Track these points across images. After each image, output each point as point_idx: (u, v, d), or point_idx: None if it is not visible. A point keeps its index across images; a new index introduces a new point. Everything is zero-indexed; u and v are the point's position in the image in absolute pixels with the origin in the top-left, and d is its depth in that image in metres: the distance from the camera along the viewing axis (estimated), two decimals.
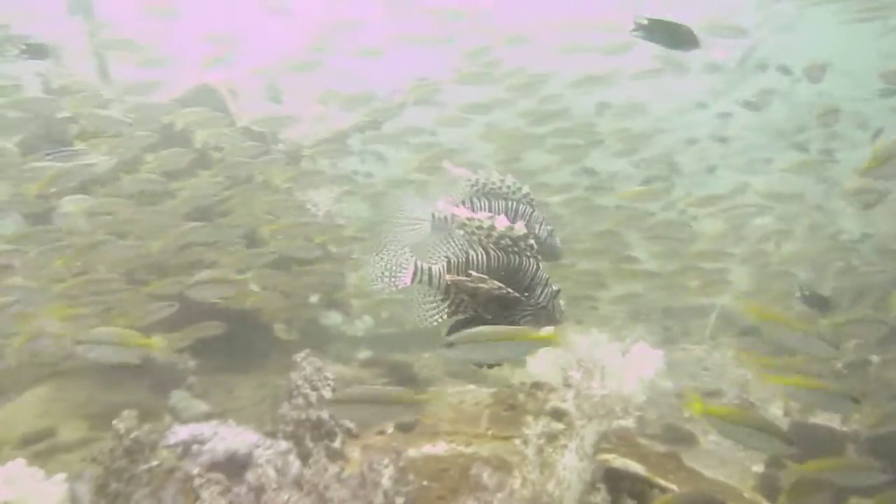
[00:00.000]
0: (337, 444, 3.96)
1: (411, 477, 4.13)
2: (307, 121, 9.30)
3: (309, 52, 10.55)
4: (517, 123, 9.34)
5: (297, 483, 3.17)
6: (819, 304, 6.27)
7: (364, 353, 9.11)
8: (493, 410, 5.78)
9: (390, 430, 5.79)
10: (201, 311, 7.18)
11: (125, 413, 3.95)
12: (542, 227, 3.98)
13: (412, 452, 5.27)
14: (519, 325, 3.19)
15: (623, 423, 4.36)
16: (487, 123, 9.62)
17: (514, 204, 3.92)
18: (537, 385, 5.81)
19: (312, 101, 9.16)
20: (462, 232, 3.14)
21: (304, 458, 3.96)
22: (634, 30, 4.76)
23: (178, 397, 6.14)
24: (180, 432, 4.14)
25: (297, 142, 8.70)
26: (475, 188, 3.91)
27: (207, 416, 6.19)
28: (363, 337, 10.16)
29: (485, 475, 3.35)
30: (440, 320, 3.17)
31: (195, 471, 3.09)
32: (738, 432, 4.02)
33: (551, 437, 4.33)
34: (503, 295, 3.01)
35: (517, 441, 4.37)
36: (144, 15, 10.09)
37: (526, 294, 3.09)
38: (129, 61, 8.39)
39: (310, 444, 3.87)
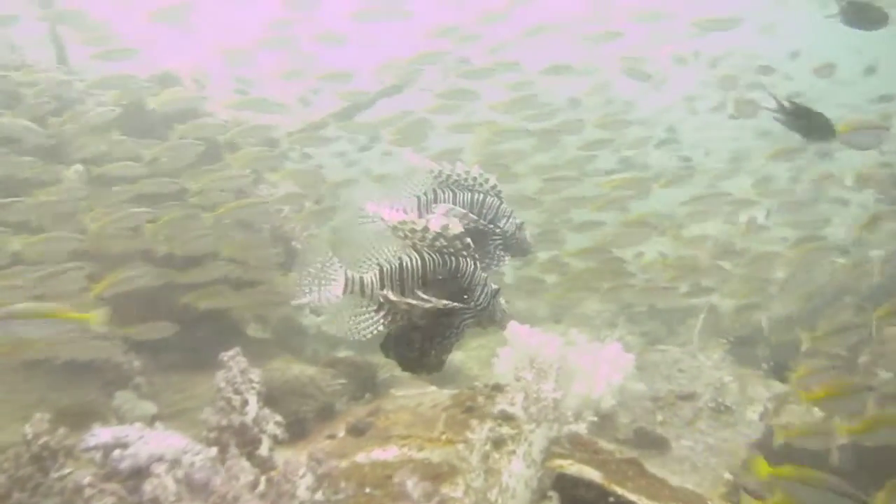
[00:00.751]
0: (263, 451, 3.68)
1: (343, 484, 3.88)
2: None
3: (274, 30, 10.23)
4: None
5: (204, 494, 2.91)
6: (781, 374, 6.41)
7: (345, 353, 8.85)
8: (451, 413, 5.50)
9: (341, 433, 5.54)
10: (163, 307, 6.96)
11: (37, 416, 3.69)
12: (511, 220, 3.76)
13: (360, 457, 5.01)
14: (459, 329, 3.01)
15: (574, 428, 4.10)
16: None
17: (481, 196, 3.71)
18: (498, 387, 5.57)
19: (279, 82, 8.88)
20: (394, 236, 2.94)
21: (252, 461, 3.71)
22: None
23: (123, 398, 5.89)
24: (101, 435, 3.86)
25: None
26: (438, 180, 3.69)
27: (154, 418, 5.94)
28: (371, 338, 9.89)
29: (409, 484, 3.10)
30: (375, 332, 2.97)
31: (86, 480, 2.82)
32: (811, 495, 3.85)
33: (498, 443, 4.07)
34: (438, 306, 2.83)
35: (460, 446, 4.11)
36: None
37: (465, 297, 2.97)
38: (89, 52, 8.16)
39: (234, 452, 3.61)
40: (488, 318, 3.08)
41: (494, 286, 3.09)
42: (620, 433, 6.48)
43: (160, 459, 3.82)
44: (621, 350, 6.48)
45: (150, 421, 5.89)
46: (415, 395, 6.08)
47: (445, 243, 2.91)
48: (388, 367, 6.73)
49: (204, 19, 9.99)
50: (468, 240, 2.97)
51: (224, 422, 3.59)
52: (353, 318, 2.95)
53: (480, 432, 4.00)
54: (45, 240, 6.12)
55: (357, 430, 5.37)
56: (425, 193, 3.73)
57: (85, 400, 6.35)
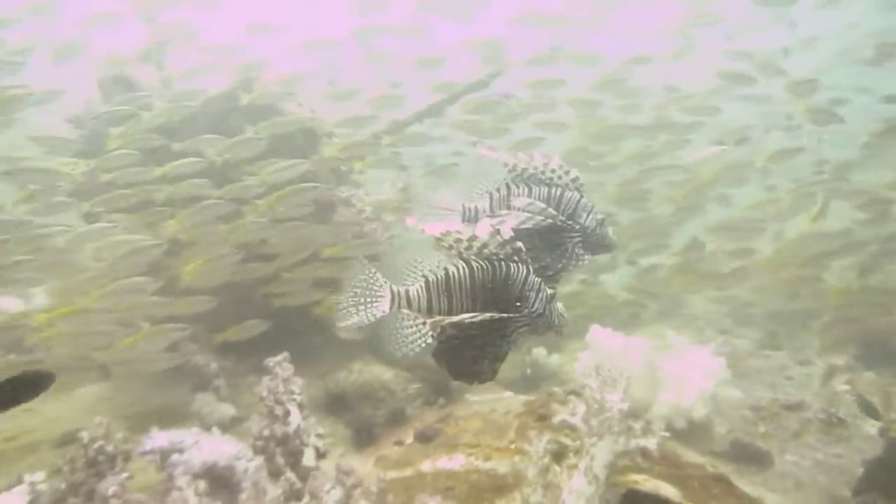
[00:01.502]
0: (307, 461, 3.56)
1: (391, 498, 3.71)
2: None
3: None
4: None
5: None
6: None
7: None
8: (524, 421, 5.25)
9: (409, 439, 5.39)
10: (253, 307, 7.03)
11: (96, 420, 3.74)
12: (591, 215, 3.45)
13: (425, 466, 4.84)
14: (512, 337, 2.83)
15: (643, 442, 3.74)
16: None
17: (559, 191, 3.43)
18: (576, 393, 5.26)
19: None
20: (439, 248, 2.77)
21: (275, 475, 3.62)
22: None
23: (203, 401, 5.98)
24: (158, 439, 3.88)
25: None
26: (513, 173, 3.46)
27: (233, 421, 6.00)
28: None
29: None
30: (423, 345, 2.78)
31: (111, 491, 2.78)
32: None
33: (558, 455, 3.78)
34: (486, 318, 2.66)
35: (517, 458, 3.85)
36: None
37: (518, 304, 2.80)
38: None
39: (280, 461, 3.52)
40: (545, 324, 2.86)
41: (550, 290, 2.88)
42: (716, 444, 5.96)
43: (213, 465, 3.82)
44: (712, 354, 5.97)
45: (230, 423, 5.97)
46: (489, 401, 5.85)
47: (494, 250, 2.75)
48: None
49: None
50: (519, 244, 2.80)
51: (266, 432, 3.49)
52: (400, 331, 2.82)
53: (539, 444, 3.72)
54: None
55: (425, 437, 5.20)
56: (498, 189, 3.46)
57: (172, 402, 6.52)
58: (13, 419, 6.85)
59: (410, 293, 2.78)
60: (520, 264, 2.81)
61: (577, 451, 3.81)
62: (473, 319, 2.71)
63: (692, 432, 6.07)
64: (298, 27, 9.52)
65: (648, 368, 6.15)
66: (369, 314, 2.78)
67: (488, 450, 4.96)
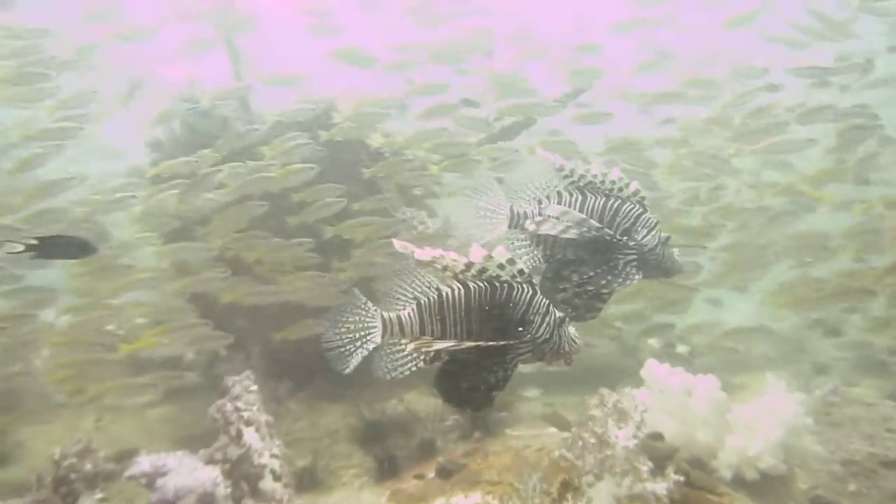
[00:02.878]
0: (265, 484, 3.31)
1: None
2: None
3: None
4: None
5: None
6: None
7: (531, 392, 8.29)
8: (555, 459, 4.78)
9: (431, 474, 5.02)
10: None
11: (75, 437, 3.69)
12: (652, 233, 3.17)
13: (438, 503, 4.48)
14: (513, 364, 2.61)
15: (652, 487, 3.20)
16: None
17: (616, 203, 3.18)
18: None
19: None
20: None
21: (237, 499, 3.40)
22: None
23: None
24: (142, 464, 3.80)
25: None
26: (569, 179, 3.23)
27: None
28: (530, 373, 9.32)
29: None
30: (413, 369, 2.62)
31: None
32: None
33: (557, 496, 3.32)
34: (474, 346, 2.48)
35: (480, 494, 3.41)
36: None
37: (520, 328, 2.60)
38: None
39: (243, 485, 3.30)
40: (552, 351, 2.62)
41: (560, 314, 2.62)
42: (795, 501, 5.17)
43: (189, 492, 3.66)
44: (786, 399, 5.22)
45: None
46: (528, 437, 5.39)
47: (493, 274, 2.54)
48: (506, 405, 6.09)
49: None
50: (521, 266, 2.57)
51: (219, 455, 3.29)
52: (390, 356, 2.64)
53: (530, 481, 3.28)
54: None
55: (446, 472, 4.81)
56: (548, 196, 3.25)
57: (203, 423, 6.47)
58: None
59: (402, 318, 2.62)
60: (524, 286, 2.61)
61: (576, 491, 3.34)
62: (458, 347, 2.52)
63: (767, 485, 5.31)
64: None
65: (716, 410, 5.46)
66: (362, 349, 2.61)
67: (510, 489, 4.53)
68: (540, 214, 3.27)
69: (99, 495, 3.56)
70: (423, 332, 2.61)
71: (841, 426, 5.84)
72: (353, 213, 6.85)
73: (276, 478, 3.51)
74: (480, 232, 3.35)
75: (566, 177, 3.26)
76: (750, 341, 9.45)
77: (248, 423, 3.44)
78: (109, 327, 7.17)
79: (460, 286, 2.59)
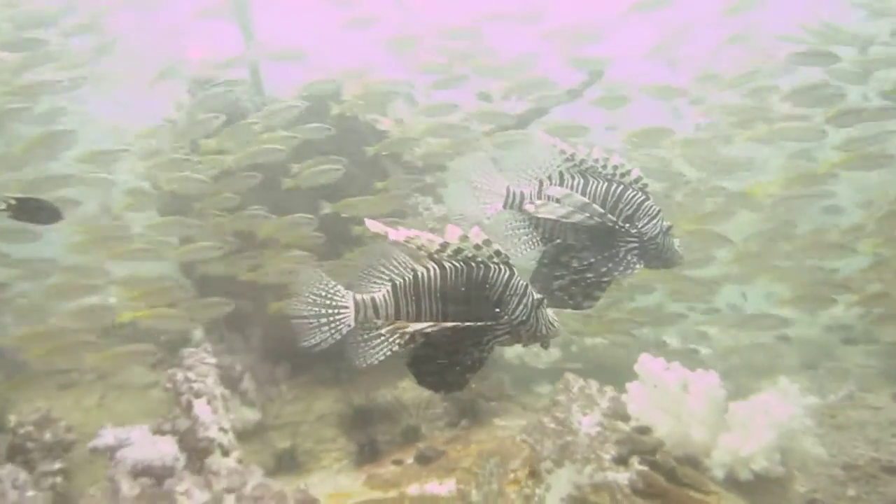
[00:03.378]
0: (211, 460, 3.25)
1: None
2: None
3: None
4: None
5: None
6: None
7: (543, 388, 8.17)
8: (518, 444, 4.65)
9: (410, 459, 4.93)
10: None
11: (34, 406, 3.68)
12: (654, 221, 3.07)
13: (412, 489, 4.38)
14: (488, 346, 2.57)
15: (614, 476, 3.07)
16: None
17: (619, 189, 3.08)
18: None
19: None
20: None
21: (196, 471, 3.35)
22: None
23: None
24: (106, 436, 3.78)
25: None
26: (570, 163, 3.13)
27: (256, 427, 5.81)
28: (544, 370, 9.18)
29: None
30: (388, 354, 2.55)
31: None
32: None
33: (514, 481, 3.20)
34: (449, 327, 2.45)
35: (455, 482, 3.30)
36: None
37: (497, 310, 2.56)
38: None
39: (195, 460, 3.25)
40: (529, 333, 2.58)
41: (538, 296, 2.58)
42: None
43: (148, 465, 3.63)
44: (782, 401, 5.02)
45: (253, 429, 5.79)
46: (516, 427, 5.25)
47: (469, 254, 2.51)
48: (496, 393, 5.97)
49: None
50: (497, 246, 2.53)
51: (168, 426, 3.24)
52: (364, 340, 2.57)
53: (486, 466, 3.16)
54: None
55: (424, 459, 4.72)
56: (549, 177, 3.15)
57: None
58: (85, 413, 7.15)
59: (377, 300, 2.56)
60: (501, 266, 2.57)
61: (536, 477, 3.22)
62: (433, 328, 2.49)
63: (763, 486, 5.10)
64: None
65: (714, 408, 5.27)
66: (334, 331, 2.54)
67: (468, 474, 4.41)
68: (540, 196, 3.18)
69: (58, 465, 3.54)
70: (398, 314, 2.55)
71: (846, 429, 5.60)
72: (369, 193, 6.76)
73: (225, 453, 3.44)
74: (472, 211, 3.25)
75: (568, 160, 3.14)
76: (774, 346, 9.20)
77: (197, 395, 3.37)
78: (112, 300, 7.25)
79: (436, 267, 2.53)
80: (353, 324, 2.54)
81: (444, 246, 2.50)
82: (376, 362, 2.57)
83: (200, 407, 3.36)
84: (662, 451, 4.67)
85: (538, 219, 3.15)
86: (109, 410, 7.07)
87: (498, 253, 2.54)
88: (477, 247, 2.52)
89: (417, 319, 2.56)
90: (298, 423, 5.79)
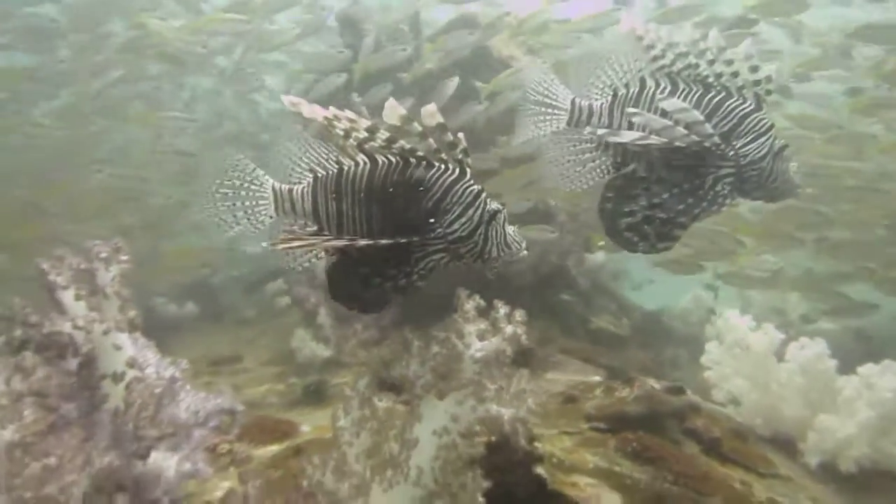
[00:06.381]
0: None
1: None
2: None
3: None
4: None
5: None
6: None
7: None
8: (553, 403, 3.97)
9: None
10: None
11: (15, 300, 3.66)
12: (763, 140, 2.45)
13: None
14: (421, 266, 2.16)
15: (497, 409, 2.41)
16: None
17: (719, 97, 2.46)
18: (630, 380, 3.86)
19: None
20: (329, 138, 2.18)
21: None
22: None
23: (299, 337, 5.72)
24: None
25: None
26: (659, 62, 2.53)
27: (327, 362, 5.68)
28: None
29: None
30: (315, 260, 2.31)
31: None
32: None
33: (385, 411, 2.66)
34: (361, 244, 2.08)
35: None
36: None
37: (431, 220, 2.12)
38: None
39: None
40: (472, 254, 2.13)
41: (493, 208, 2.10)
42: None
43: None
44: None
45: (321, 364, 5.66)
46: (563, 381, 4.57)
47: (408, 146, 2.06)
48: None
49: None
50: (450, 136, 2.06)
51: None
52: (286, 240, 2.21)
53: (358, 385, 2.65)
54: None
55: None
56: (626, 85, 2.60)
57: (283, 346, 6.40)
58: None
59: (294, 193, 2.26)
60: (448, 165, 2.11)
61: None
62: (335, 243, 2.14)
63: (867, 481, 3.89)
64: None
65: (815, 381, 4.13)
66: (254, 221, 2.30)
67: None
68: (613, 111, 2.60)
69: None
70: (315, 213, 2.24)
71: None
72: None
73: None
74: (526, 128, 2.73)
75: (656, 58, 2.52)
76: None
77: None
78: None
79: (367, 160, 2.15)
80: (274, 214, 2.27)
81: (373, 131, 2.06)
82: (300, 269, 2.34)
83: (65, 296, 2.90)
84: (706, 420, 3.77)
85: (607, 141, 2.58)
86: None
87: (452, 146, 2.06)
88: (422, 135, 2.04)
89: (338, 221, 2.21)
90: (352, 365, 5.55)
